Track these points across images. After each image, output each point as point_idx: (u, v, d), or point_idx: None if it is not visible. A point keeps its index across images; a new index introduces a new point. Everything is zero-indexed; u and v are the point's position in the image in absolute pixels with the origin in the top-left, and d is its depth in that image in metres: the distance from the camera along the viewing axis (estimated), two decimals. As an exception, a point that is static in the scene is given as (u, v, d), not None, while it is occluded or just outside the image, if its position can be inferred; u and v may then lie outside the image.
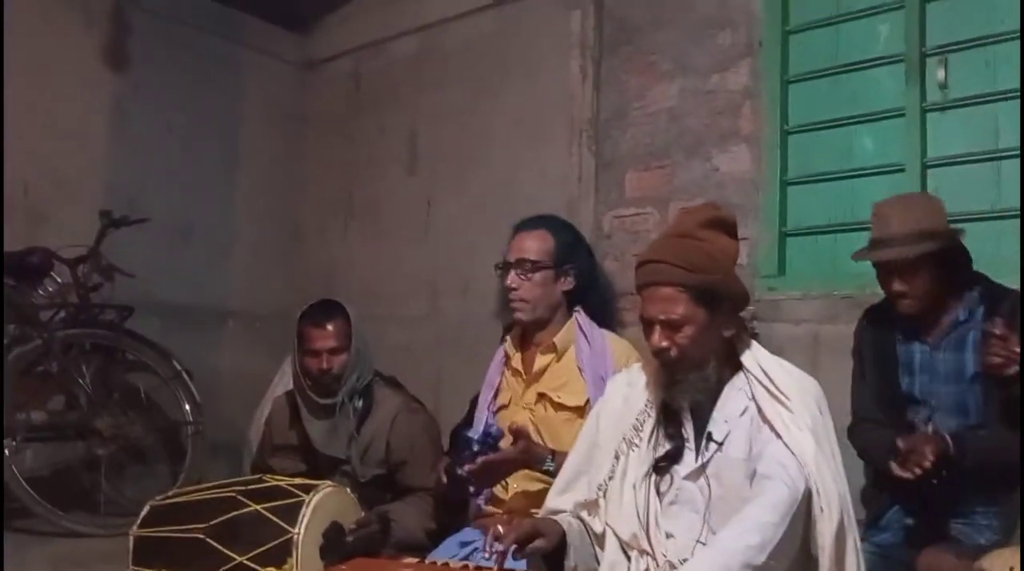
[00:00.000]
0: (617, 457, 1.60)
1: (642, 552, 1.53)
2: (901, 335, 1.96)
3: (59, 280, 3.14)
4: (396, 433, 2.26)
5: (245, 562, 1.75)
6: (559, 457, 1.78)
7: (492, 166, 3.44)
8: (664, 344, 1.52)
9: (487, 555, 1.44)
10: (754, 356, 1.58)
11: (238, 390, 3.62)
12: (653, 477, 1.57)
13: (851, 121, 2.61)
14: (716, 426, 1.54)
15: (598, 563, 1.56)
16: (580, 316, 2.07)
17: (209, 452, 3.27)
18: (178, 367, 3.20)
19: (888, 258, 1.86)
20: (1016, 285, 1.92)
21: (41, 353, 2.90)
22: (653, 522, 1.54)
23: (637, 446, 1.59)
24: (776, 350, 1.66)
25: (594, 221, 3.05)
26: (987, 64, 2.37)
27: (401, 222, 3.79)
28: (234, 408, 3.56)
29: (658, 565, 1.50)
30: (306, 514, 1.80)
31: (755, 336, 1.68)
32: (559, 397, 1.99)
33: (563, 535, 1.52)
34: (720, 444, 1.53)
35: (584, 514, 1.60)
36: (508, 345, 2.14)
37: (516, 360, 2.10)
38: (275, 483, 1.93)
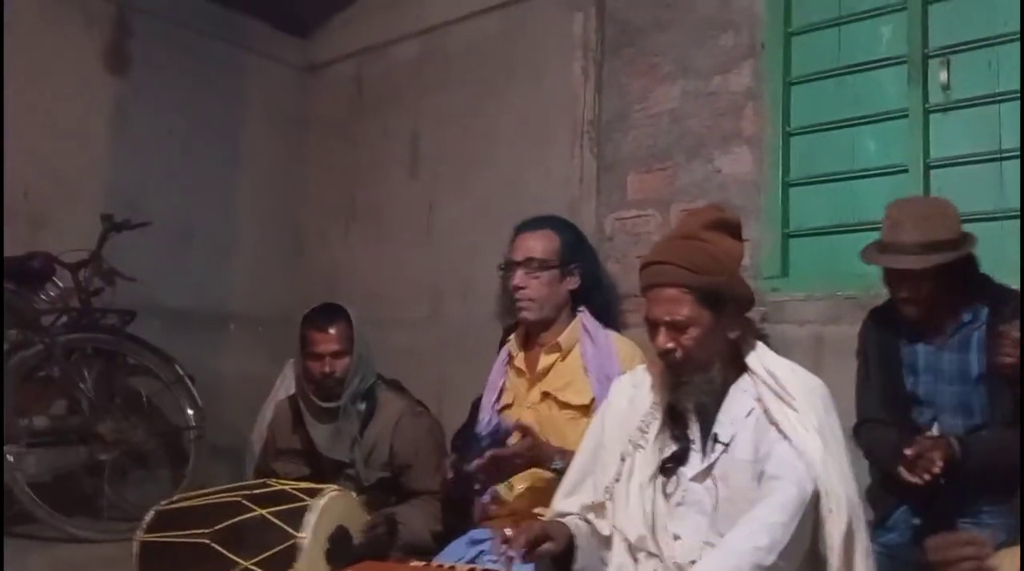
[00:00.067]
0: (623, 459, 1.59)
1: (649, 554, 1.52)
2: (906, 336, 1.96)
3: (61, 285, 3.13)
4: (400, 436, 2.26)
5: (251, 567, 1.74)
6: (567, 455, 1.77)
7: (494, 169, 3.44)
8: (669, 345, 1.51)
9: (495, 558, 1.44)
10: (759, 357, 1.57)
11: (240, 394, 3.62)
12: (659, 479, 1.56)
13: (853, 122, 2.61)
14: (722, 427, 1.53)
15: (605, 566, 1.55)
16: (585, 316, 2.07)
17: (211, 456, 3.26)
18: (180, 371, 3.20)
19: (902, 267, 1.85)
20: (1017, 285, 1.92)
21: (43, 358, 2.90)
22: (660, 524, 1.53)
23: (643, 448, 1.58)
24: (779, 351, 1.66)
25: (596, 223, 3.05)
26: (990, 65, 2.38)
27: (403, 225, 3.79)
28: (236, 412, 3.56)
29: (666, 567, 1.50)
30: (312, 519, 1.79)
31: (764, 338, 1.68)
32: (564, 396, 1.98)
33: (571, 538, 1.52)
34: (726, 445, 1.52)
35: (591, 516, 1.59)
36: (511, 345, 2.14)
37: (519, 360, 2.10)
38: (280, 487, 1.92)
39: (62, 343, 2.94)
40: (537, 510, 1.89)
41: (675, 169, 2.90)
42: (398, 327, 3.53)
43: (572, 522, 1.57)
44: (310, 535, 1.77)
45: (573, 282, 2.08)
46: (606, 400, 1.73)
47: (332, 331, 2.25)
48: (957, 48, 2.43)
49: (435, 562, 1.73)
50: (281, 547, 1.76)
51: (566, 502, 1.64)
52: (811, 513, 1.42)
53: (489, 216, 3.29)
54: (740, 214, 1.92)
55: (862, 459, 1.95)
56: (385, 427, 2.26)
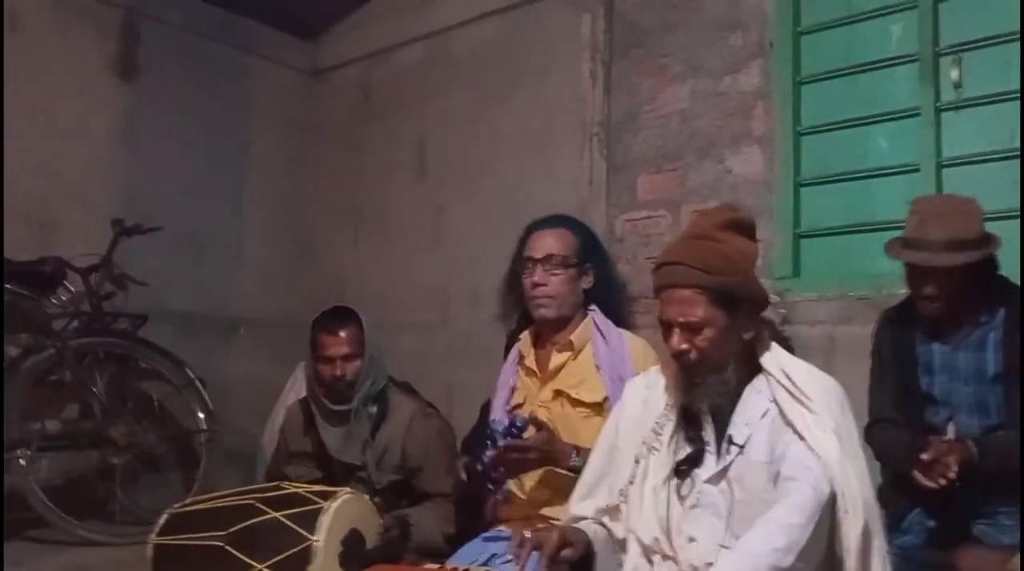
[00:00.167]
0: (637, 461, 1.59)
1: (664, 557, 1.51)
2: (921, 335, 1.94)
3: (72, 289, 3.15)
4: (411, 438, 2.26)
5: (264, 570, 1.74)
6: (584, 453, 1.77)
7: (502, 172, 3.44)
8: (683, 347, 1.51)
9: (510, 559, 1.43)
10: (774, 358, 1.56)
11: (250, 398, 3.63)
12: (674, 481, 1.55)
13: (864, 121, 2.60)
14: (736, 429, 1.52)
15: (621, 568, 1.54)
16: (596, 314, 2.06)
17: (221, 460, 3.27)
18: (191, 375, 3.21)
19: (929, 264, 1.83)
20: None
21: (55, 362, 2.91)
22: (675, 526, 1.52)
23: (657, 450, 1.58)
24: (791, 352, 1.65)
25: (606, 224, 3.05)
26: (1002, 63, 2.36)
27: (410, 229, 3.79)
28: (246, 416, 3.57)
29: (681, 570, 1.49)
30: (325, 521, 1.79)
31: (786, 340, 1.67)
32: (576, 394, 1.98)
33: (589, 544, 1.52)
34: (741, 447, 1.51)
35: (606, 519, 1.59)
36: (522, 345, 2.14)
37: (530, 359, 2.10)
38: (294, 490, 1.92)
39: (74, 347, 2.95)
40: (549, 510, 1.89)
41: (685, 170, 2.90)
42: (406, 331, 3.53)
43: (589, 528, 1.56)
44: (324, 538, 1.77)
45: (588, 281, 2.08)
46: (620, 402, 1.72)
47: (343, 334, 2.25)
48: (969, 46, 2.41)
49: (449, 565, 1.72)
50: (295, 550, 1.75)
51: (582, 505, 1.63)
52: (828, 514, 1.40)
53: (497, 219, 3.28)
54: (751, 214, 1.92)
55: (874, 460, 1.93)
56: (397, 430, 2.26)
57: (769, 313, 2.12)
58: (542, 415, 1.97)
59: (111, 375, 3.09)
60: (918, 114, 2.48)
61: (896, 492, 1.94)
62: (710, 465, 1.53)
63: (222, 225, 3.88)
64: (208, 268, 3.79)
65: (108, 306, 3.18)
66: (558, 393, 2.01)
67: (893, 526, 1.91)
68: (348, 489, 1.97)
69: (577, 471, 1.74)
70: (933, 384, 1.93)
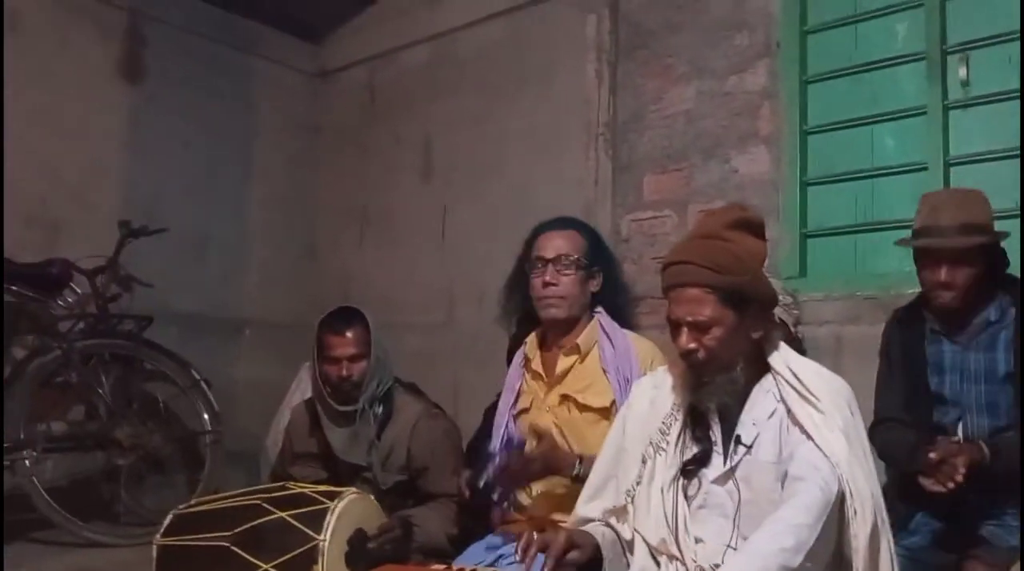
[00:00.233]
0: (644, 461, 1.57)
1: (671, 557, 1.50)
2: (931, 335, 1.94)
3: (78, 291, 3.15)
4: (417, 439, 2.25)
5: (270, 570, 1.73)
6: (587, 461, 1.75)
7: (508, 173, 3.44)
8: (692, 346, 1.50)
9: (516, 561, 1.42)
10: (783, 357, 1.55)
11: (254, 399, 3.63)
12: (681, 481, 1.54)
13: (871, 120, 2.59)
14: (744, 429, 1.51)
15: (628, 569, 1.53)
16: (602, 317, 2.05)
17: (226, 461, 3.27)
18: (196, 376, 3.21)
19: (941, 246, 1.83)
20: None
21: (61, 364, 2.91)
22: (682, 527, 1.51)
23: (664, 450, 1.57)
24: (804, 354, 1.64)
25: (612, 224, 3.04)
26: (1009, 61, 2.35)
27: (416, 230, 3.79)
28: (250, 417, 3.57)
29: (688, 570, 1.48)
30: (331, 521, 1.78)
31: (799, 342, 1.66)
32: (584, 398, 1.96)
33: (597, 546, 1.51)
34: (749, 447, 1.50)
35: (613, 520, 1.58)
36: (528, 347, 2.12)
37: (536, 362, 2.08)
38: (299, 490, 1.91)
39: (79, 349, 2.95)
40: (555, 516, 1.88)
41: (691, 170, 2.89)
42: (411, 332, 3.53)
43: (597, 530, 1.55)
44: (330, 538, 1.77)
45: (596, 284, 2.07)
46: (627, 402, 1.71)
47: (349, 335, 2.24)
48: (976, 44, 2.40)
49: (455, 565, 1.72)
50: (301, 550, 1.75)
51: (588, 507, 1.62)
52: (836, 514, 1.40)
53: (503, 220, 3.28)
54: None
55: (879, 459, 1.92)
56: (403, 430, 2.26)
57: (784, 315, 2.11)
58: (549, 420, 1.96)
59: (117, 376, 3.10)
60: (925, 112, 2.47)
61: (901, 493, 1.93)
62: (717, 465, 1.52)
63: (227, 226, 3.89)
64: (213, 269, 3.80)
65: (114, 308, 3.19)
66: (565, 397, 1.99)
67: (900, 527, 1.90)
68: (354, 489, 1.96)
69: (580, 480, 1.73)
70: (943, 384, 1.92)
